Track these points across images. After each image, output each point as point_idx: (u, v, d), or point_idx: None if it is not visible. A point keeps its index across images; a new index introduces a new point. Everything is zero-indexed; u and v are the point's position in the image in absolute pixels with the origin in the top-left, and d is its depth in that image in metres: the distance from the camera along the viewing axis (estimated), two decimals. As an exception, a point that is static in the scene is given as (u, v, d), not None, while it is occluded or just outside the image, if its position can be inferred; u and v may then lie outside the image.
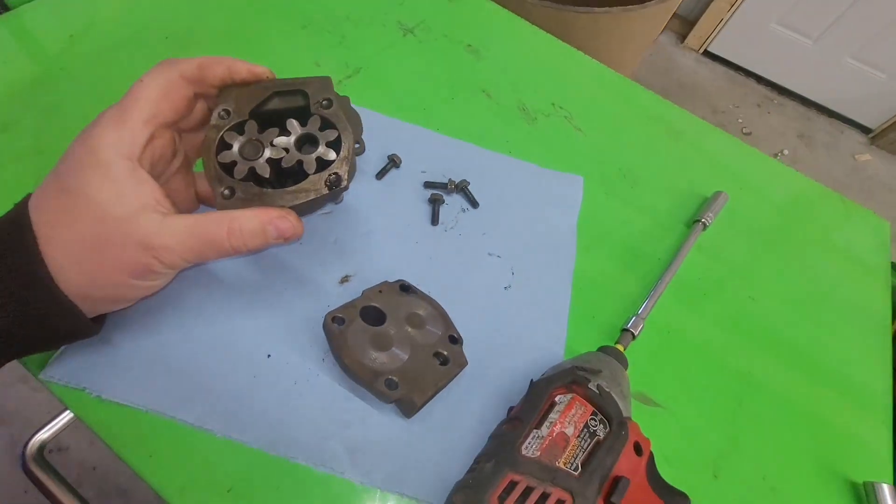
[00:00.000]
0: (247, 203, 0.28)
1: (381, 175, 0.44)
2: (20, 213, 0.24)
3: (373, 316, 0.34)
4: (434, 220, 0.42)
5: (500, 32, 0.58)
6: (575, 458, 0.26)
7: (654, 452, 0.30)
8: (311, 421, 0.32)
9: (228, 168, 0.29)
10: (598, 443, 0.27)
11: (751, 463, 0.36)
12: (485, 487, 0.25)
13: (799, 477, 0.36)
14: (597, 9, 0.99)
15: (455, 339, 0.35)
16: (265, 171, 0.29)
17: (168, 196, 0.27)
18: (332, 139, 0.30)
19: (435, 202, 0.43)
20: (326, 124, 0.31)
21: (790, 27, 1.94)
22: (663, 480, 0.29)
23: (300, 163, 0.29)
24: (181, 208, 0.32)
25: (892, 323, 0.47)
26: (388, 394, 0.30)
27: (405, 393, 0.31)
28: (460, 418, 0.34)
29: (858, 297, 0.48)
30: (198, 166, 0.34)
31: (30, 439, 0.31)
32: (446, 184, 0.44)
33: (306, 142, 0.31)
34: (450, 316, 0.36)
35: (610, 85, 0.58)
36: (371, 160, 0.44)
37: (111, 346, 0.31)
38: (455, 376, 0.33)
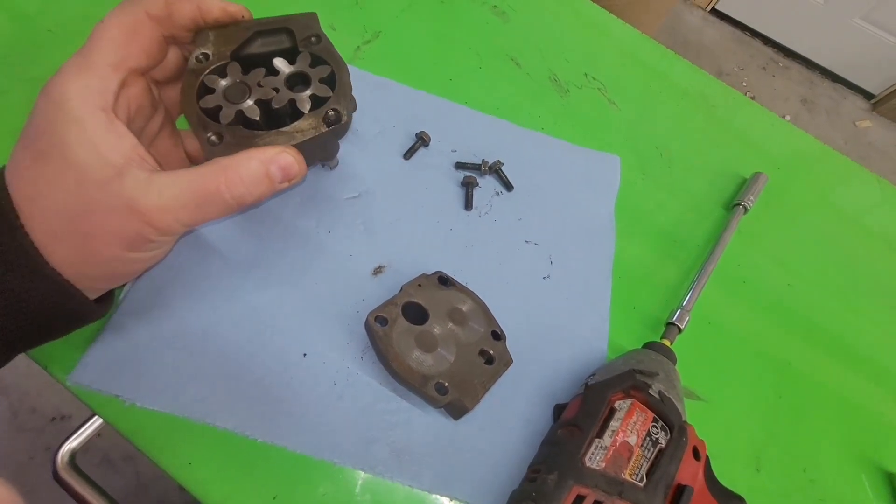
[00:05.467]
0: (239, 148, 0.25)
1: (409, 155, 0.41)
2: None
3: (414, 313, 0.32)
4: (468, 204, 0.40)
5: (528, -8, 0.54)
6: (640, 469, 0.26)
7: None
8: (354, 423, 0.30)
9: (213, 113, 0.26)
10: (660, 451, 0.27)
11: (790, 455, 0.36)
12: (549, 500, 0.24)
13: (837, 468, 0.37)
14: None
15: (498, 336, 0.34)
16: (254, 114, 0.26)
17: (155, 157, 0.24)
18: (325, 75, 0.27)
19: (468, 185, 0.40)
20: (317, 60, 0.28)
21: (802, -16, 1.87)
22: (719, 483, 0.29)
23: (293, 102, 0.27)
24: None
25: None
26: (439, 399, 0.29)
27: (455, 397, 0.29)
28: (506, 417, 0.33)
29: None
30: (181, 123, 0.31)
31: (59, 448, 0.30)
32: (479, 165, 0.41)
33: (297, 82, 0.28)
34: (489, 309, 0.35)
35: (642, 51, 0.54)
36: (398, 138, 0.41)
37: (138, 350, 0.29)
38: (501, 375, 0.32)
